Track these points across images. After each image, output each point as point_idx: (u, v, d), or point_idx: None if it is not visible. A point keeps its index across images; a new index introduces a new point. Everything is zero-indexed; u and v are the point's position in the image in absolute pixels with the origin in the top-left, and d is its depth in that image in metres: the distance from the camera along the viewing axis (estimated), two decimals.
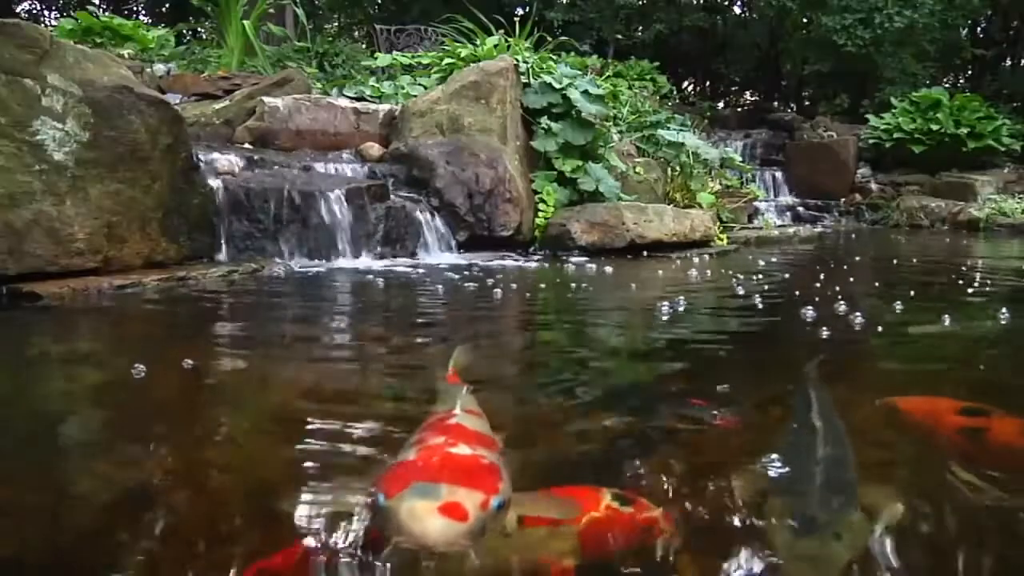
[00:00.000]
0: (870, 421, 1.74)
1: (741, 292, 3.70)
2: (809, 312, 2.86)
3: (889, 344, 2.70)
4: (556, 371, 2.30)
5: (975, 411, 1.62)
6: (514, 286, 3.75)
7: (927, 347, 2.69)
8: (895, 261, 5.52)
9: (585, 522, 1.14)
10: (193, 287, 3.57)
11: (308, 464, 1.44)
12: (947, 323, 2.79)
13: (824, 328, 2.61)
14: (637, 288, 4.07)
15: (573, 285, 4.11)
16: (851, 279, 4.36)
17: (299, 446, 1.52)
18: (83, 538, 1.18)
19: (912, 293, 3.85)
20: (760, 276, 4.49)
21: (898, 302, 3.25)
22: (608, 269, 4.53)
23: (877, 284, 4.45)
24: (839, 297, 3.22)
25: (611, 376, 2.26)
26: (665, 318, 2.96)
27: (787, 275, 4.34)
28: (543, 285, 4.15)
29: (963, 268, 5.07)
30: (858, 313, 2.80)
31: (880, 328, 2.84)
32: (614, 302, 3.72)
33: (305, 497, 1.29)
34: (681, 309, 3.11)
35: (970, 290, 3.88)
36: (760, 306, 3.29)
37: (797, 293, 3.86)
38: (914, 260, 5.68)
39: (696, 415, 1.74)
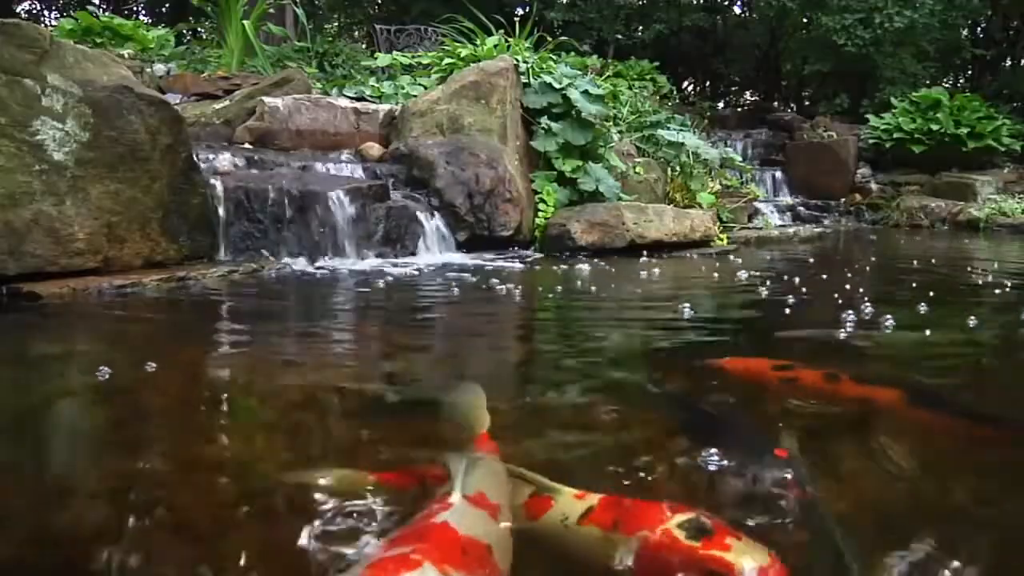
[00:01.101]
0: None
1: (764, 294, 3.68)
2: (850, 318, 2.80)
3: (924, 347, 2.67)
4: (596, 388, 2.08)
5: (784, 367, 2.15)
6: (519, 287, 3.74)
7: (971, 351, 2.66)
8: (915, 263, 5.45)
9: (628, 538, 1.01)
10: (193, 287, 3.57)
11: (303, 467, 1.44)
12: (973, 324, 2.79)
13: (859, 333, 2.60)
14: (646, 289, 4.06)
15: (579, 286, 4.10)
16: (868, 281, 4.33)
17: (295, 448, 1.52)
18: (81, 539, 1.18)
19: (932, 294, 3.73)
20: (773, 277, 4.39)
21: (922, 304, 3.20)
22: (611, 269, 4.52)
23: (896, 286, 4.39)
24: (865, 301, 3.16)
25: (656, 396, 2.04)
26: (686, 322, 2.95)
27: (799, 277, 4.29)
28: (548, 286, 4.14)
29: (980, 269, 5.06)
30: (888, 317, 2.79)
31: (928, 332, 2.81)
32: (629, 304, 3.67)
33: (300, 499, 1.29)
34: (700, 313, 3.08)
35: (997, 291, 3.89)
36: (788, 311, 3.19)
37: (835, 297, 3.61)
38: (933, 260, 5.66)
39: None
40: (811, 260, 6.01)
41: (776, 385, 2.04)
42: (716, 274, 4.55)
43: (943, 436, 1.72)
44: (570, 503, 1.14)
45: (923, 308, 3.16)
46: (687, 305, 3.16)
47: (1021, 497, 1.38)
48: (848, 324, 2.76)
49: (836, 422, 1.80)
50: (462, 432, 1.52)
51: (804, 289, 3.81)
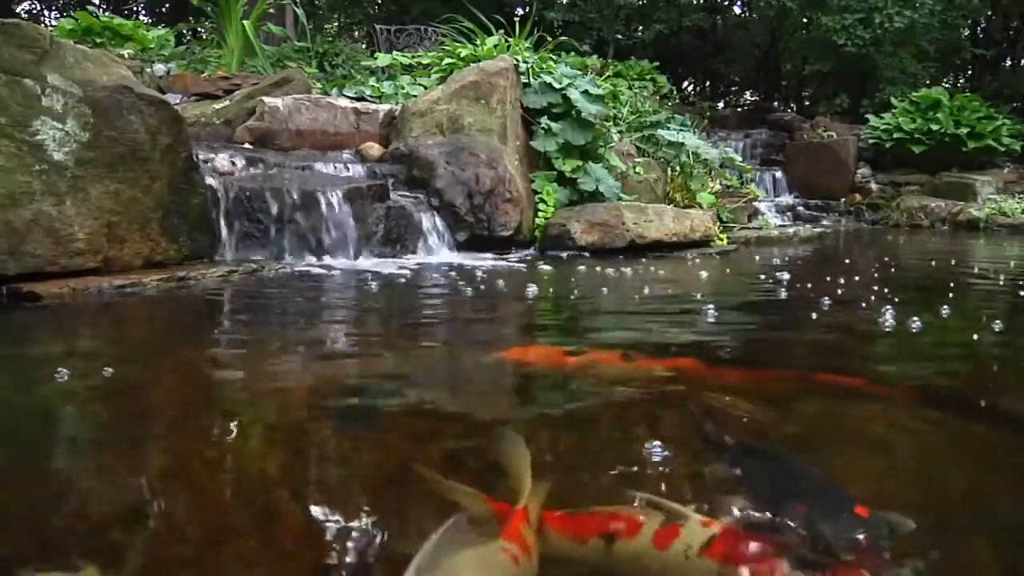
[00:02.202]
0: None
1: (783, 295, 3.64)
2: (887, 318, 2.78)
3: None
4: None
5: (577, 352, 2.37)
6: (522, 288, 3.73)
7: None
8: (933, 263, 5.40)
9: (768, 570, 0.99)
10: (193, 287, 3.57)
11: (299, 469, 1.44)
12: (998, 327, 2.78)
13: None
14: (651, 290, 4.04)
15: (581, 287, 4.09)
16: (883, 283, 4.30)
17: (293, 449, 1.52)
18: (80, 539, 1.18)
19: (950, 295, 3.67)
20: (783, 278, 4.34)
21: (945, 306, 3.17)
22: (612, 270, 4.52)
23: (927, 288, 4.33)
24: (888, 300, 3.13)
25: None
26: (706, 325, 2.92)
27: (808, 278, 4.26)
28: (548, 287, 4.14)
29: (992, 270, 5.06)
30: (916, 319, 2.78)
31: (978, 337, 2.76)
32: (634, 305, 3.64)
33: (299, 501, 1.29)
34: (714, 317, 3.05)
35: (1022, 292, 3.89)
36: (814, 316, 3.07)
37: (861, 301, 3.48)
38: (953, 261, 5.62)
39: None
40: (816, 260, 6.00)
41: (577, 367, 2.22)
42: (720, 274, 4.54)
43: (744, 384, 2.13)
44: (696, 531, 1.07)
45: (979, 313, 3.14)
46: (711, 307, 3.15)
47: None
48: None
49: (659, 390, 2.01)
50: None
51: (832, 292, 3.74)
